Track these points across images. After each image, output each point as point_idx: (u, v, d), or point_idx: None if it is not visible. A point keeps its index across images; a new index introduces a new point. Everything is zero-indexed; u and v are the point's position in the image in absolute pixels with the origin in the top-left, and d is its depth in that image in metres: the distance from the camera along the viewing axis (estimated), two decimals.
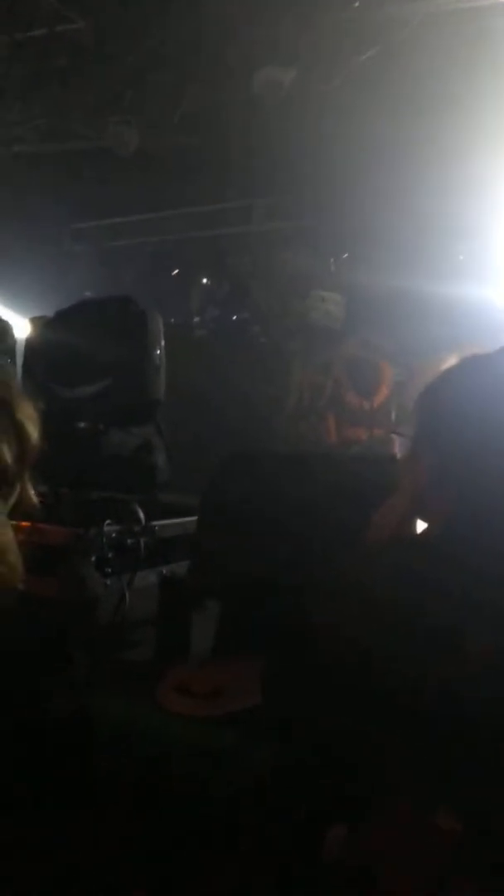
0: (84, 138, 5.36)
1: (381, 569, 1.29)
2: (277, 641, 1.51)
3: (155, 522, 1.98)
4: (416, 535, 1.32)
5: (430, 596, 1.25)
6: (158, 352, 2.21)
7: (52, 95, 5.13)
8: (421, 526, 1.38)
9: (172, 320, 5.24)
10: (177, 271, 6.48)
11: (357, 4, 4.03)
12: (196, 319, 5.79)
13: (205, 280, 6.17)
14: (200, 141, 5.19)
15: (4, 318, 2.74)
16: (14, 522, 1.98)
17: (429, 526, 1.30)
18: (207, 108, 5.03)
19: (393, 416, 5.13)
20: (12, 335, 2.59)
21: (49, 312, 2.56)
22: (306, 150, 4.91)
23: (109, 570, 1.82)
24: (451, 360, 1.39)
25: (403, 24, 4.08)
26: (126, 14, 4.39)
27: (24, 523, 1.98)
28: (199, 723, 1.45)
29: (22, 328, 2.72)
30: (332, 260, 5.99)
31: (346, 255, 5.95)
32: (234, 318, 5.81)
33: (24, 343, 2.55)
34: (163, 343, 2.22)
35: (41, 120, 5.36)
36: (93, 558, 1.80)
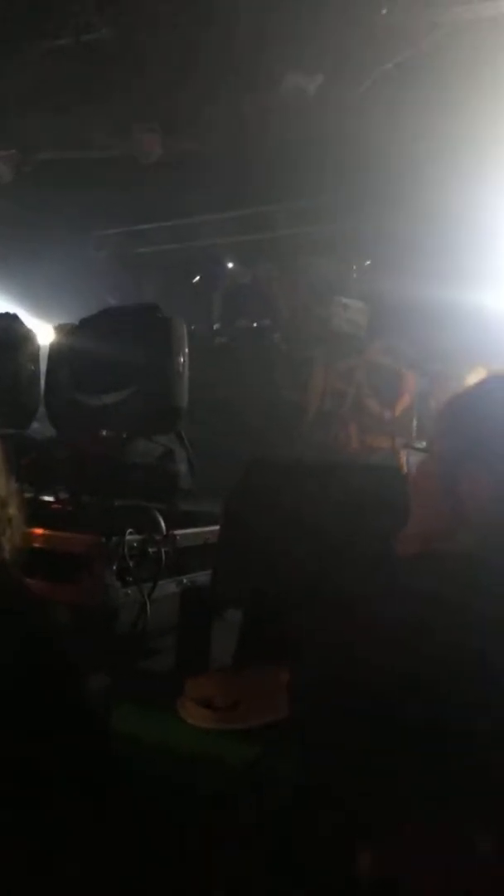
0: (108, 146, 5.39)
1: (412, 585, 1.27)
2: (302, 653, 1.49)
3: (176, 532, 1.98)
4: (449, 549, 1.29)
5: (466, 615, 1.23)
6: (182, 359, 2.21)
7: (76, 104, 5.17)
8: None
9: (193, 327, 5.25)
10: (198, 277, 6.50)
11: (384, 11, 4.01)
12: (216, 326, 5.80)
13: (226, 286, 6.19)
14: (224, 147, 5.20)
15: (27, 324, 2.75)
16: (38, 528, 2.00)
17: (461, 540, 1.28)
18: (231, 114, 5.05)
19: (414, 424, 5.10)
20: (35, 342, 2.60)
21: (72, 318, 2.58)
22: (330, 157, 4.89)
23: (130, 579, 1.81)
24: (478, 373, 1.36)
25: (430, 31, 4.06)
26: (151, 23, 4.42)
27: (47, 530, 2.00)
28: (221, 736, 1.43)
29: (45, 334, 2.75)
30: (354, 267, 5.97)
31: (368, 261, 5.92)
32: (255, 324, 5.80)
33: (48, 350, 2.57)
34: (186, 351, 2.22)
35: (65, 128, 5.40)
36: (114, 567, 1.80)
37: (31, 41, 4.53)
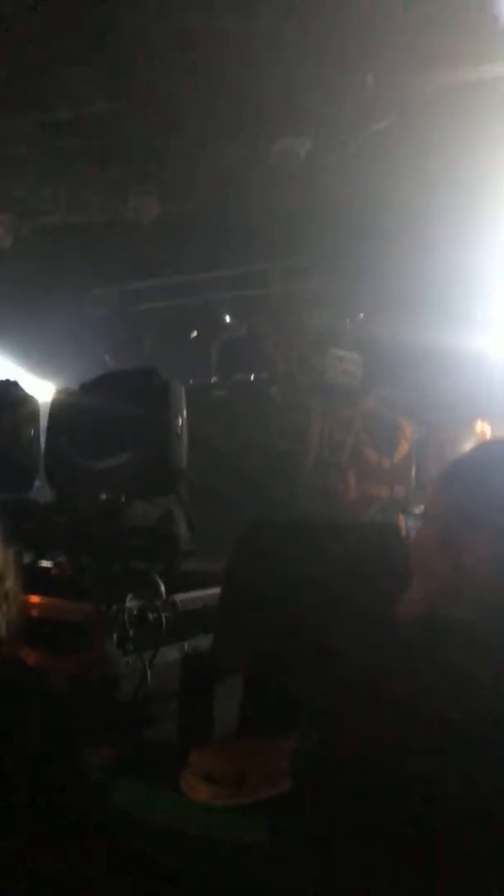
0: (105, 210, 5.54)
1: (415, 652, 1.26)
2: (305, 723, 1.47)
3: (177, 596, 1.97)
4: (451, 614, 1.29)
5: (469, 685, 1.22)
6: (180, 422, 2.23)
7: (75, 171, 5.33)
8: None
9: (191, 381, 5.31)
10: (195, 333, 6.60)
11: (369, 78, 4.18)
12: (214, 380, 5.86)
13: (223, 341, 6.28)
14: (218, 208, 5.35)
15: (27, 384, 2.78)
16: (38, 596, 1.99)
17: (464, 607, 1.27)
18: (225, 176, 5.20)
19: (413, 473, 5.11)
20: (35, 406, 2.63)
21: (71, 376, 2.61)
22: (321, 216, 5.03)
23: (131, 647, 1.80)
24: (478, 426, 1.38)
25: (417, 96, 4.22)
26: (147, 94, 4.59)
27: (46, 597, 1.99)
28: (224, 812, 1.40)
29: (43, 392, 2.78)
30: (348, 319, 6.08)
31: (361, 314, 6.03)
32: (252, 377, 5.87)
33: (47, 413, 2.59)
34: (185, 413, 2.24)
35: (65, 194, 5.56)
36: (114, 636, 1.79)
37: (31, 114, 4.70)
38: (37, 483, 2.64)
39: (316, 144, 4.64)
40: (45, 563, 2.20)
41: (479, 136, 4.15)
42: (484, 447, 1.34)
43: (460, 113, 4.18)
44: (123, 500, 2.17)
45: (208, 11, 3.99)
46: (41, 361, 5.89)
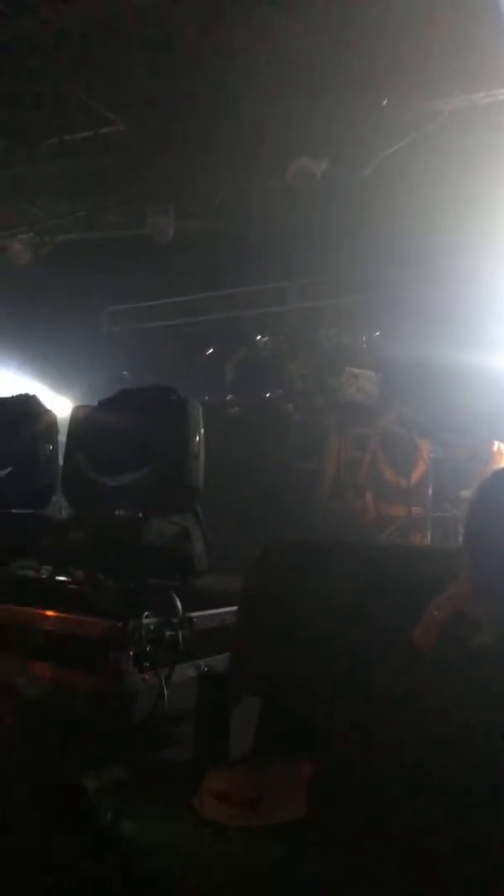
0: (123, 228, 5.62)
1: (433, 675, 1.25)
2: (321, 748, 1.45)
3: (193, 614, 1.96)
4: (468, 638, 1.28)
5: (483, 706, 1.20)
6: (198, 439, 2.24)
7: (95, 190, 5.42)
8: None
9: (207, 398, 5.33)
10: (211, 350, 6.64)
11: (385, 102, 4.22)
12: (229, 397, 5.88)
13: (239, 358, 6.31)
14: (235, 227, 5.40)
15: (45, 400, 2.80)
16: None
17: (479, 632, 1.27)
18: (242, 196, 5.26)
19: (430, 492, 5.08)
20: (53, 421, 2.64)
21: (88, 392, 2.63)
22: (337, 236, 5.06)
23: (147, 664, 1.79)
24: (492, 447, 1.36)
25: (432, 119, 4.26)
26: (165, 115, 4.67)
27: (63, 612, 1.98)
28: (240, 833, 1.39)
29: (64, 408, 2.79)
30: (364, 337, 6.08)
31: (377, 332, 6.04)
32: (268, 395, 5.88)
33: (66, 430, 2.61)
34: (202, 431, 2.25)
35: (83, 212, 5.65)
36: (130, 652, 1.78)
37: (54, 134, 4.79)
38: (54, 498, 2.65)
39: (332, 164, 4.69)
40: (62, 578, 2.20)
41: (495, 158, 4.18)
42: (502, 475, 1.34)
43: (475, 135, 4.21)
44: (140, 516, 2.17)
45: (225, 36, 4.06)
46: (58, 377, 5.94)
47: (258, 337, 6.34)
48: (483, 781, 1.11)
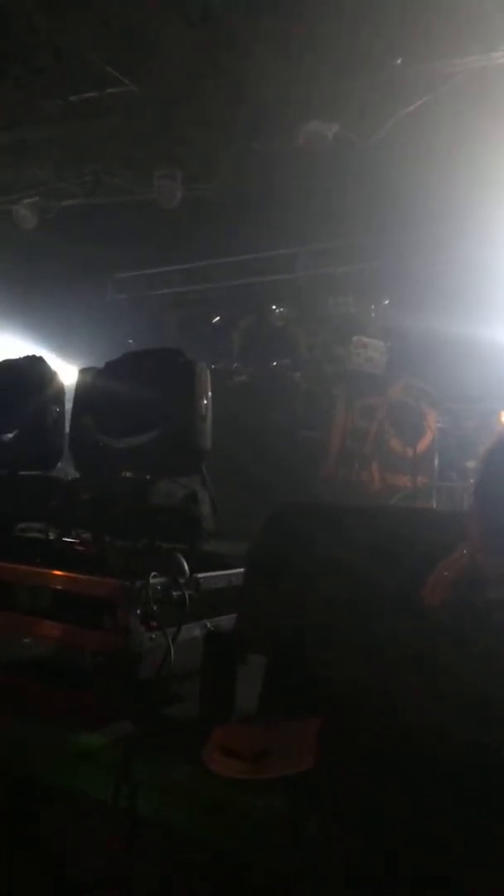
0: (130, 192, 5.53)
1: (441, 632, 1.25)
2: (330, 704, 1.46)
3: (200, 574, 1.96)
4: (477, 597, 1.28)
5: (489, 662, 1.20)
6: (205, 402, 2.22)
7: (100, 152, 5.33)
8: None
9: (213, 366, 5.29)
10: (217, 318, 6.58)
11: (399, 62, 4.11)
12: (236, 365, 5.84)
13: (245, 326, 6.25)
14: (243, 192, 5.31)
15: (51, 364, 2.78)
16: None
17: (488, 590, 1.26)
18: (250, 160, 5.17)
19: (436, 463, 5.07)
20: (60, 384, 2.63)
21: (93, 359, 2.61)
22: (348, 201, 4.98)
23: (154, 623, 1.80)
24: (500, 417, 1.36)
25: (446, 79, 4.15)
26: (173, 75, 4.56)
27: (71, 573, 1.99)
28: (247, 786, 1.40)
29: (68, 375, 2.78)
30: (372, 306, 6.02)
31: (387, 301, 5.97)
32: (275, 363, 5.84)
33: (73, 393, 2.59)
34: (210, 394, 2.23)
35: (89, 175, 5.56)
36: (138, 611, 1.79)
37: (58, 95, 4.69)
38: (59, 465, 2.65)
39: (344, 127, 4.59)
40: (70, 540, 2.21)
41: None
42: None
43: (490, 95, 4.10)
44: (147, 478, 2.17)
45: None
46: (63, 344, 5.91)
47: (273, 307, 6.26)
48: (486, 733, 1.12)
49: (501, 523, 1.23)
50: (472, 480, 1.56)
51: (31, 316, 6.04)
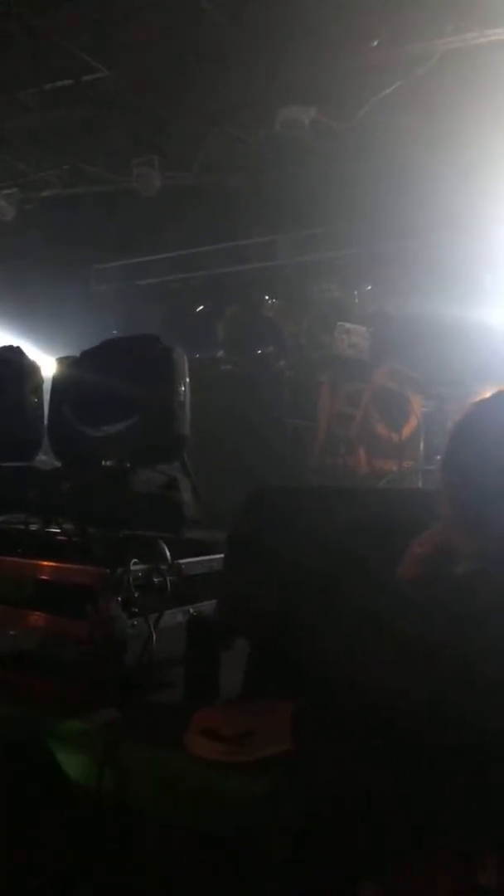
0: (108, 181, 5.50)
1: (413, 607, 1.26)
2: (307, 684, 1.47)
3: (182, 561, 1.96)
4: (449, 572, 1.28)
5: (465, 636, 1.21)
6: (184, 388, 2.21)
7: (78, 141, 5.29)
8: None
9: (198, 355, 5.28)
10: (201, 307, 6.56)
11: (376, 44, 4.10)
12: (220, 354, 5.83)
13: (229, 315, 6.23)
14: (222, 180, 5.29)
15: (32, 357, 2.77)
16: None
17: (461, 563, 1.27)
18: (229, 147, 5.14)
19: (421, 447, 5.09)
20: (39, 375, 2.62)
21: (75, 352, 2.60)
22: (327, 186, 4.97)
23: (136, 609, 1.80)
24: (483, 393, 1.37)
25: (422, 61, 4.14)
26: (149, 62, 4.53)
27: (52, 562, 1.99)
28: (228, 768, 1.41)
29: (48, 367, 2.76)
30: (355, 292, 6.02)
31: (369, 286, 5.97)
32: (260, 351, 5.83)
33: (51, 383, 2.58)
34: (188, 380, 2.22)
35: (67, 165, 5.52)
36: (119, 598, 1.79)
37: (33, 83, 4.65)
38: (41, 457, 2.63)
39: (321, 112, 4.58)
40: (51, 530, 2.20)
41: (487, 101, 4.08)
42: (487, 402, 1.32)
43: (466, 76, 4.10)
44: (128, 466, 2.16)
45: None
46: (44, 336, 5.88)
47: (266, 298, 6.24)
48: (458, 702, 1.12)
49: (469, 498, 1.23)
50: (438, 457, 1.56)
51: (11, 308, 6.00)
